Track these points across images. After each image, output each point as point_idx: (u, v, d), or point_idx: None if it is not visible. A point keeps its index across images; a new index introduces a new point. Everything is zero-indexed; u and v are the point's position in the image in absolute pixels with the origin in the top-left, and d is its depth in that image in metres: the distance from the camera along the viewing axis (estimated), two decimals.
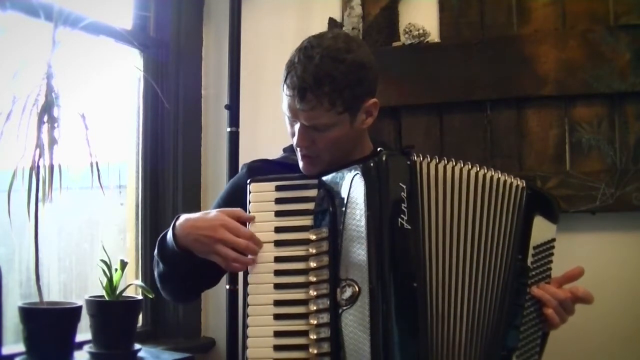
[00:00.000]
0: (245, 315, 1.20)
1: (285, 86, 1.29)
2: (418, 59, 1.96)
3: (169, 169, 2.15)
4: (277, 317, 1.18)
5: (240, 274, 1.35)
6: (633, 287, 1.79)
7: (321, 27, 2.06)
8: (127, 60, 2.10)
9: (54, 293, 1.81)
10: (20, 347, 1.50)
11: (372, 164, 1.16)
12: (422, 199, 1.16)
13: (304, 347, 1.16)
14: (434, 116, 1.96)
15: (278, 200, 1.24)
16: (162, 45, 2.16)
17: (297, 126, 1.30)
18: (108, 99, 1.94)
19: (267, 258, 1.21)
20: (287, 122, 1.37)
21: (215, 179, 2.21)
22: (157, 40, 2.16)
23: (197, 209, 2.18)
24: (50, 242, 1.81)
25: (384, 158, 1.16)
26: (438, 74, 1.94)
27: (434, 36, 1.99)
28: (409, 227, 1.13)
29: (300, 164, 1.37)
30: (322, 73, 1.23)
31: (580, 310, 1.27)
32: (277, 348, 1.17)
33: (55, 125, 1.50)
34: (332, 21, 2.08)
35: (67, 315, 1.51)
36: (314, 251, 1.18)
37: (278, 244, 1.22)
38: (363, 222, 1.14)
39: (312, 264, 1.18)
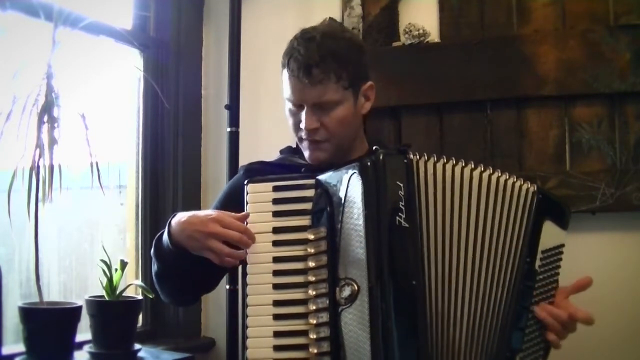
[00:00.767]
0: (244, 316, 1.20)
1: (288, 70, 1.34)
2: (418, 59, 1.96)
3: (169, 169, 2.15)
4: (277, 317, 1.18)
5: (240, 274, 1.34)
6: (633, 287, 1.79)
7: None
8: (127, 60, 2.10)
9: (54, 293, 1.81)
10: (20, 347, 1.50)
11: (369, 163, 1.16)
12: (420, 197, 1.16)
13: (304, 347, 1.16)
14: (434, 116, 1.96)
15: (275, 201, 1.24)
16: (162, 45, 2.16)
17: (302, 113, 1.34)
18: (108, 99, 1.94)
19: (266, 258, 1.21)
20: (289, 115, 1.39)
21: (215, 179, 2.20)
22: (157, 40, 2.16)
23: (197, 209, 2.15)
24: (50, 242, 1.81)
25: (380, 157, 1.16)
26: (438, 74, 1.94)
27: (434, 36, 1.99)
28: (407, 225, 1.13)
29: (307, 153, 1.39)
30: (326, 49, 1.31)
31: None
32: (277, 348, 1.17)
33: (55, 125, 1.50)
34: (332, 21, 2.08)
35: (67, 315, 1.51)
36: (312, 251, 1.19)
37: (276, 244, 1.22)
38: (361, 221, 1.14)
39: (311, 264, 1.18)
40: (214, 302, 2.14)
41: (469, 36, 1.94)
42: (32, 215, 1.47)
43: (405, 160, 1.16)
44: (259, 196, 1.24)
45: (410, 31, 1.97)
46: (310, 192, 1.22)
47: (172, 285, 1.40)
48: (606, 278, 1.72)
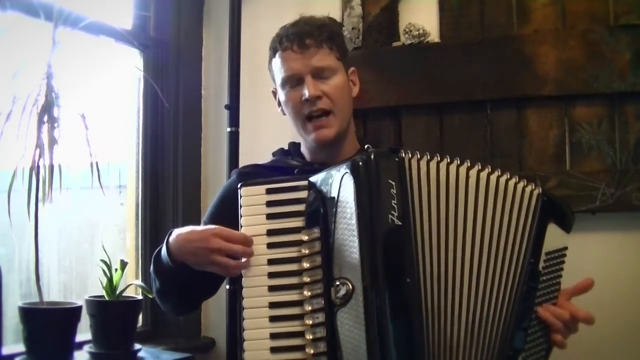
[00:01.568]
0: (241, 318, 1.20)
1: (280, 50, 1.44)
2: (418, 59, 1.96)
3: (169, 169, 2.15)
4: (273, 319, 1.18)
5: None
6: (633, 287, 1.78)
7: None
8: (127, 60, 2.10)
9: (54, 293, 1.81)
10: (20, 347, 1.50)
11: (360, 162, 1.15)
12: (413, 196, 1.15)
13: (300, 348, 1.16)
14: (434, 116, 1.96)
15: (269, 203, 1.24)
16: (162, 45, 2.16)
17: (303, 86, 1.41)
18: (108, 99, 1.94)
19: (261, 261, 1.21)
20: (288, 99, 1.45)
21: (215, 179, 2.20)
22: (157, 40, 2.16)
23: (197, 208, 2.18)
24: (50, 242, 1.81)
25: (372, 156, 1.15)
26: (438, 74, 1.93)
27: (434, 36, 1.99)
28: (400, 223, 1.12)
29: (312, 136, 1.43)
30: (313, 23, 1.46)
31: None
32: (273, 350, 1.17)
33: (55, 125, 1.51)
34: (331, 20, 2.07)
35: (67, 315, 1.52)
36: (306, 252, 1.19)
37: (271, 246, 1.22)
38: (354, 221, 1.14)
39: (306, 265, 1.18)
40: (214, 302, 2.13)
41: (469, 36, 1.93)
42: (32, 215, 1.47)
43: (397, 159, 1.16)
44: (252, 199, 1.25)
45: (410, 31, 1.97)
46: (303, 194, 1.22)
47: (175, 300, 1.41)
48: (606, 278, 1.71)
